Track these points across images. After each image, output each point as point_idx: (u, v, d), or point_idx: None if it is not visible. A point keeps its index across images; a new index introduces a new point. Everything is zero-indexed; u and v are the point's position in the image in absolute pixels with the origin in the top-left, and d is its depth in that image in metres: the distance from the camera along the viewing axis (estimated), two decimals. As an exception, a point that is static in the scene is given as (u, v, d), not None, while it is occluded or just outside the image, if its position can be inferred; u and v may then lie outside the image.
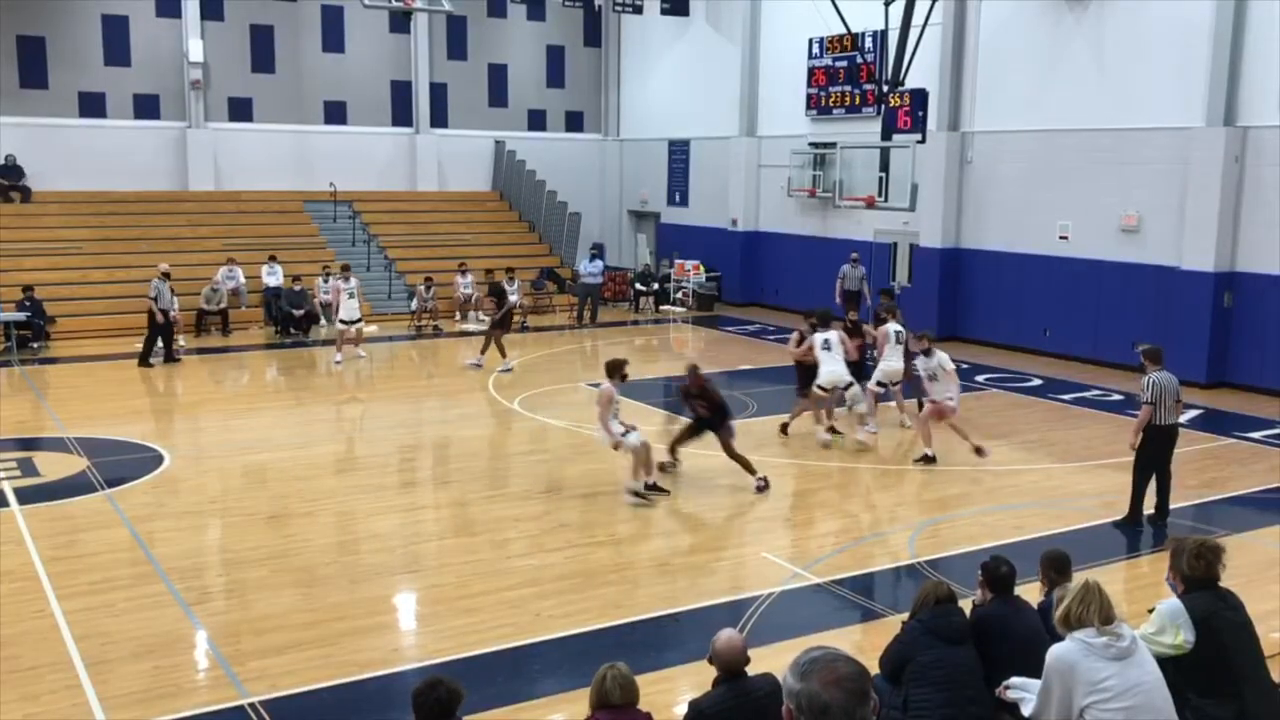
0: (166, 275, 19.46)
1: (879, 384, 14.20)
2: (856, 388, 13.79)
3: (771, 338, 22.49)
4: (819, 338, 13.72)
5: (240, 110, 26.70)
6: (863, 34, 22.66)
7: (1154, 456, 10.61)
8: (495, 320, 19.08)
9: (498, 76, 29.83)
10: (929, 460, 12.88)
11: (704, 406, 12.20)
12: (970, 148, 21.56)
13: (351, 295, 19.34)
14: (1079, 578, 4.94)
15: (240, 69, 26.56)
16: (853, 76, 23.62)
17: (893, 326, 14.30)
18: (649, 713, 5.38)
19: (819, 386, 13.62)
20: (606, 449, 12.17)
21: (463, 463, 13.48)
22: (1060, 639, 6.18)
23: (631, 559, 9.87)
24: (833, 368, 13.50)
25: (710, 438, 12.05)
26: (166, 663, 7.61)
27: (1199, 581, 5.42)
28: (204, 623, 8.32)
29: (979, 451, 12.83)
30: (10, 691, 7.11)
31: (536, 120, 30.53)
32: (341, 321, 19.31)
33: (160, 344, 19.13)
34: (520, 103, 30.23)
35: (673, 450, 12.54)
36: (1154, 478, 10.72)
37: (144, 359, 18.86)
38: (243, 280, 22.87)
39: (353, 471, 12.64)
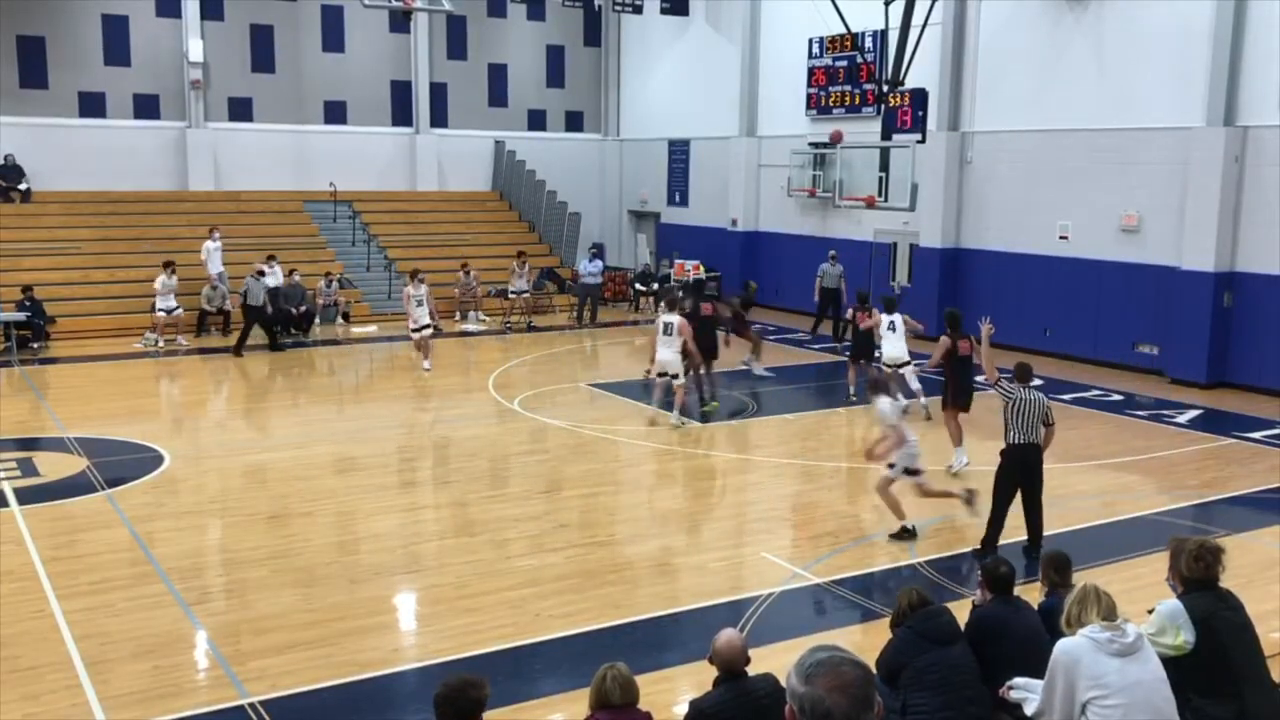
0: (261, 274, 20.66)
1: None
2: (910, 368, 15.15)
3: (772, 338, 22.46)
4: (885, 319, 15.10)
5: (240, 110, 26.70)
6: (863, 34, 22.66)
7: (1011, 479, 9.73)
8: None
9: (498, 76, 29.83)
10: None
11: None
12: (970, 148, 21.56)
13: (420, 303, 18.52)
14: (1077, 581, 4.95)
15: (240, 69, 26.56)
16: (853, 76, 23.62)
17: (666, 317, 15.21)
18: (649, 712, 5.38)
19: (884, 364, 15.04)
20: (604, 450, 12.17)
21: (463, 463, 13.48)
22: (1063, 635, 6.21)
23: (631, 559, 9.86)
24: (895, 347, 14.97)
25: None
26: (166, 663, 7.61)
27: (1198, 582, 5.43)
28: (204, 623, 8.31)
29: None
30: (10, 691, 7.11)
31: (536, 120, 30.53)
32: (412, 330, 18.64)
33: (266, 335, 20.59)
34: (520, 103, 30.23)
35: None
36: (1024, 506, 9.81)
37: (237, 349, 20.13)
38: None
39: (353, 471, 12.63)
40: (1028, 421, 9.67)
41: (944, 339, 12.95)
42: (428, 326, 18.60)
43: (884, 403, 10.44)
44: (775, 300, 26.11)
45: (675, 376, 14.80)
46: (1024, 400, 9.72)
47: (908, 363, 15.04)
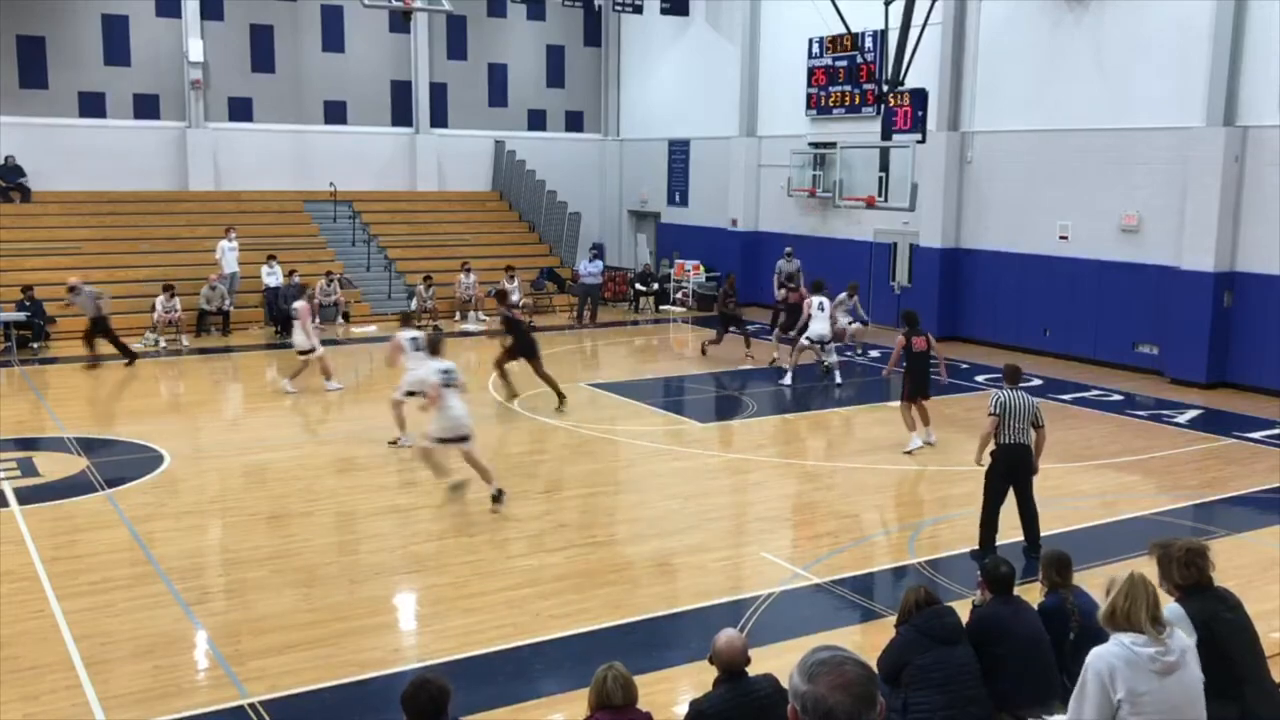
0: (74, 289, 18.97)
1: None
2: (832, 344, 17.69)
3: (770, 338, 22.48)
4: (815, 300, 17.21)
5: (240, 110, 26.69)
6: (863, 34, 22.66)
7: (1001, 479, 9.69)
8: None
9: (498, 76, 29.83)
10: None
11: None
12: (970, 148, 21.56)
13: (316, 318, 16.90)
14: (1125, 571, 4.77)
15: (240, 69, 26.56)
16: (853, 76, 23.62)
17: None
18: (649, 712, 5.38)
19: (808, 338, 17.25)
20: (604, 450, 12.16)
21: (463, 463, 13.43)
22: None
23: (631, 559, 9.86)
24: (820, 325, 17.14)
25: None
26: (166, 663, 7.61)
27: (1193, 587, 5.41)
28: (204, 623, 8.31)
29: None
30: (10, 691, 7.11)
31: (536, 120, 30.52)
32: (301, 351, 16.71)
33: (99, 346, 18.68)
34: (520, 103, 30.22)
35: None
36: (1018, 507, 9.80)
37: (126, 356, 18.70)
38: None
39: (353, 471, 12.63)
40: (1016, 422, 9.64)
41: (899, 337, 13.38)
42: (314, 348, 16.74)
43: (428, 368, 11.20)
44: (775, 300, 26.07)
45: (828, 342, 14.94)
46: (1011, 401, 9.67)
47: (829, 340, 17.42)
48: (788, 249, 23.65)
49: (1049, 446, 13.69)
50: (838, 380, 17.45)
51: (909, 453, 13.19)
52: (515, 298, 17.05)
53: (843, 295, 19.50)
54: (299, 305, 16.93)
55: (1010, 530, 9.92)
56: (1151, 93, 18.15)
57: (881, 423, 15.26)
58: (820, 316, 17.15)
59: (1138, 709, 4.49)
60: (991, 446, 9.77)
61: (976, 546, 9.78)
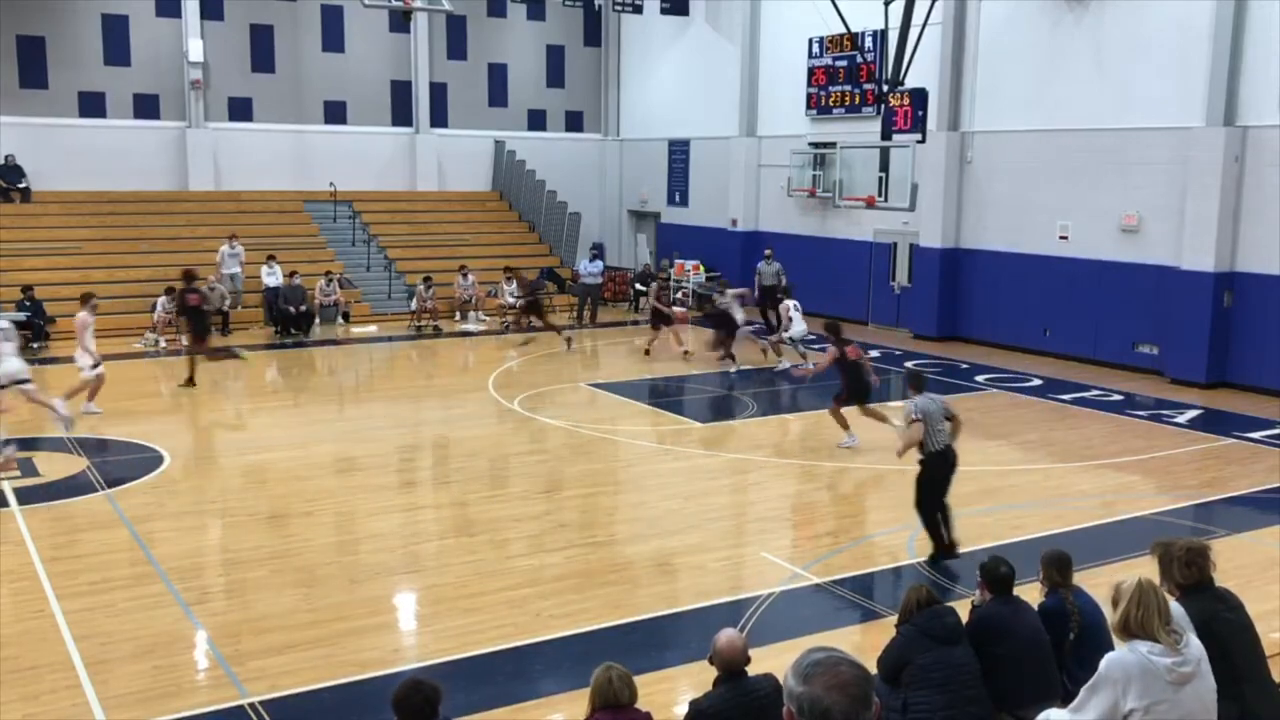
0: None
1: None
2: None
3: (771, 337, 22.46)
4: (791, 303, 18.82)
5: (240, 110, 26.70)
6: (863, 34, 22.66)
7: (939, 483, 9.65)
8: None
9: (498, 76, 29.83)
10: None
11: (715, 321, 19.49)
12: (970, 147, 21.56)
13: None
14: (1129, 576, 4.75)
15: (240, 69, 26.56)
16: (853, 76, 23.62)
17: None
18: (648, 712, 5.38)
19: (789, 337, 18.58)
20: (604, 450, 12.15)
21: (463, 463, 13.48)
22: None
23: (631, 559, 9.86)
24: (800, 326, 18.44)
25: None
26: (166, 663, 7.61)
27: (1194, 586, 5.41)
28: (204, 623, 8.31)
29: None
30: (10, 691, 7.11)
31: (536, 120, 30.52)
32: (92, 367, 14.85)
33: None
34: (520, 103, 30.22)
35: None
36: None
37: None
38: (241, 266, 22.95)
39: (353, 471, 12.63)
40: (935, 425, 9.55)
41: (831, 349, 13.51)
42: (100, 363, 15.06)
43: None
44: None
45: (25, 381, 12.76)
46: (928, 406, 9.57)
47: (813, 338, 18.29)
48: (767, 250, 23.86)
49: (1050, 445, 13.76)
50: (802, 357, 18.90)
51: (846, 447, 13.41)
52: (198, 281, 16.54)
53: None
54: (79, 316, 15.06)
55: (1010, 530, 9.92)
56: (1151, 93, 18.15)
57: (881, 423, 15.26)
58: (799, 318, 18.39)
59: (1151, 714, 4.46)
60: (919, 456, 9.63)
61: (930, 555, 9.66)
